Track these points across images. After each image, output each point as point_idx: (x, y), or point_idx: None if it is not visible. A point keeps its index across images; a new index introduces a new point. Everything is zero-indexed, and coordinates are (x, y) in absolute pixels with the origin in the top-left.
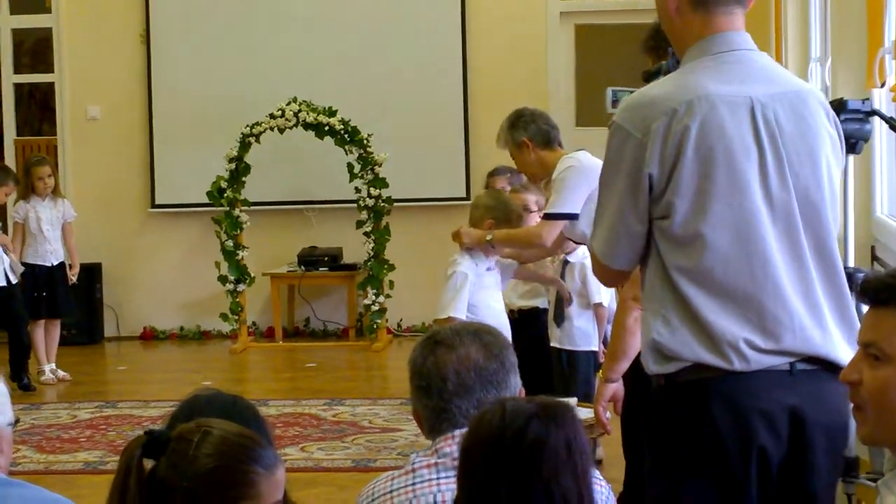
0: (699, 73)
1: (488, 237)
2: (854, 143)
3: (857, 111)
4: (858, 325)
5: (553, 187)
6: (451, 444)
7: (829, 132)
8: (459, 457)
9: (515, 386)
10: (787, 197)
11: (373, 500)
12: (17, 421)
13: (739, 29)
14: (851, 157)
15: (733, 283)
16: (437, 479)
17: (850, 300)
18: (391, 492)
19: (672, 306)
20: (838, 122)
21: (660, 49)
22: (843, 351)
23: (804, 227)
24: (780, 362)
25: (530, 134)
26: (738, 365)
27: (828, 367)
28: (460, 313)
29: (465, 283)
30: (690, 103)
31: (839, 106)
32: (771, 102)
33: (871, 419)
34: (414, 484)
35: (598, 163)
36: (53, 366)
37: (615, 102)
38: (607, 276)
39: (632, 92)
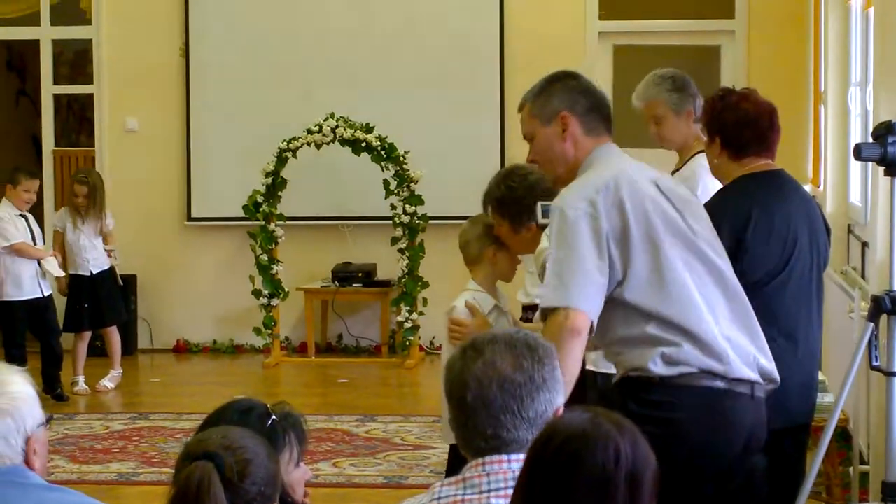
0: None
1: None
2: None
3: None
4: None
5: None
6: (482, 476)
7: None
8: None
9: (545, 404)
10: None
11: None
12: (49, 419)
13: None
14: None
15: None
16: None
17: None
18: None
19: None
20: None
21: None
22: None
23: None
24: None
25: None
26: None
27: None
28: None
29: None
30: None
31: (887, 129)
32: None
33: None
34: None
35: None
36: (118, 372)
37: (545, 214)
38: None
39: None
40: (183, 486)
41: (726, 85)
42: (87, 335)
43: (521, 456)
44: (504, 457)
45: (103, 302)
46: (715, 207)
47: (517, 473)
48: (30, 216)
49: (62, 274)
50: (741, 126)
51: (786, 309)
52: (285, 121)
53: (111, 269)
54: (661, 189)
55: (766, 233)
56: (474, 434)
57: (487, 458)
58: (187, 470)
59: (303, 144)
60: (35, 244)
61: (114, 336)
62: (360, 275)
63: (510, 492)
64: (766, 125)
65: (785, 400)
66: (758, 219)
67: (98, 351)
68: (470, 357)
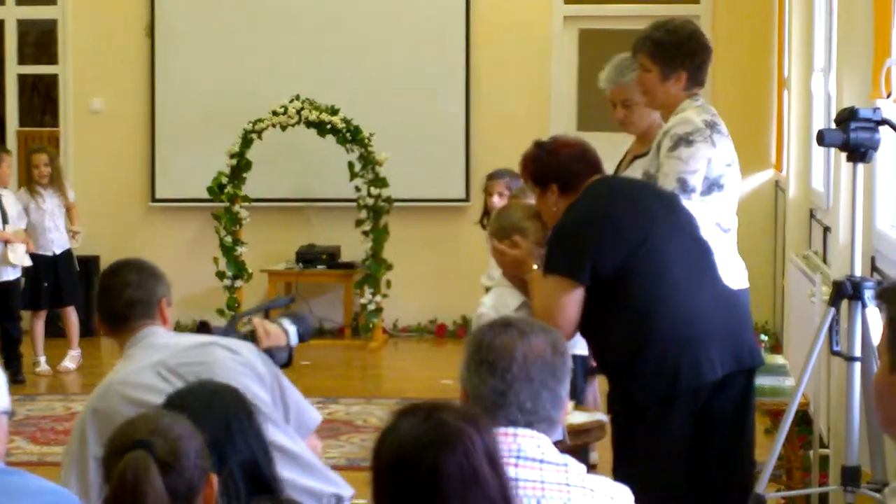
0: None
1: (535, 266)
2: (864, 152)
3: (868, 120)
4: None
5: None
6: None
7: None
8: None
9: (567, 388)
10: None
11: None
12: (13, 413)
13: None
14: (861, 167)
15: None
16: None
17: None
18: None
19: None
20: None
21: (677, 57)
22: None
23: None
24: None
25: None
26: None
27: None
28: None
29: None
30: None
31: (850, 115)
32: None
33: (878, 412)
34: None
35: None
36: (76, 352)
37: None
38: None
39: None
40: (119, 481)
41: None
42: (44, 314)
43: (534, 433)
44: (511, 430)
45: (63, 282)
46: (561, 230)
47: (522, 450)
48: (6, 195)
49: (27, 263)
50: (574, 163)
51: (666, 270)
52: (250, 102)
53: (70, 250)
54: (168, 369)
55: (616, 217)
56: (512, 405)
57: (502, 430)
58: (121, 463)
59: (268, 126)
60: (6, 224)
61: (72, 316)
62: (324, 257)
63: (510, 462)
64: (592, 156)
65: (704, 354)
66: (600, 215)
67: (60, 332)
68: (512, 334)
